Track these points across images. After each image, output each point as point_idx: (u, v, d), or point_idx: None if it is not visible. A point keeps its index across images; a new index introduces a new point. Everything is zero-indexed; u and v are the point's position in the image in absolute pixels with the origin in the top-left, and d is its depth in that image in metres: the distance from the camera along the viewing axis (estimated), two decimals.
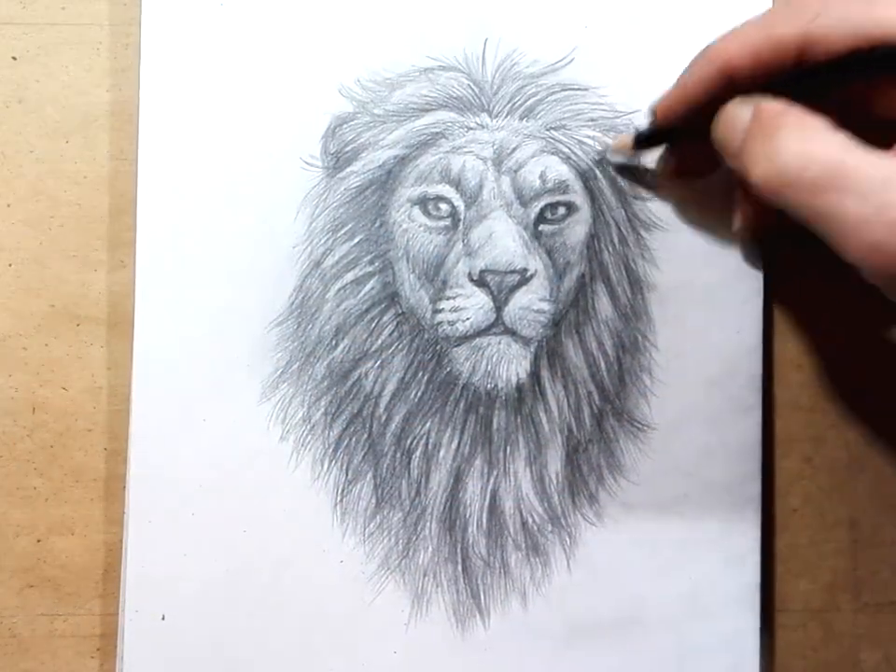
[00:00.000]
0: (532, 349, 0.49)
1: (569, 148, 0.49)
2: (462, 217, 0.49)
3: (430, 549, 0.49)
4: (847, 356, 0.51)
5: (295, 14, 0.49)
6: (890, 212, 0.32)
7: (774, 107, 0.38)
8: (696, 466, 0.49)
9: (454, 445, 0.49)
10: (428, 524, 0.49)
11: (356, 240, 0.49)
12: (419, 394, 0.49)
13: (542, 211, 0.49)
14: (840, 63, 0.38)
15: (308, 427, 0.49)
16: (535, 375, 0.49)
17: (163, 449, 0.48)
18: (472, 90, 0.49)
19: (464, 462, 0.49)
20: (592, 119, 0.50)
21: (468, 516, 0.49)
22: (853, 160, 0.34)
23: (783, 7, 0.40)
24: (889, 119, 0.39)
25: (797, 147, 0.35)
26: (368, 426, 0.49)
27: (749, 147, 0.38)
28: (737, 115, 0.39)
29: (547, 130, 0.49)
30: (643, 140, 0.47)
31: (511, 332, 0.48)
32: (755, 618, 0.49)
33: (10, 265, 0.49)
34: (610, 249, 0.50)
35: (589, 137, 0.50)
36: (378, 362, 0.49)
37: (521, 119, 0.49)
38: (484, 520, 0.49)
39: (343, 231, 0.49)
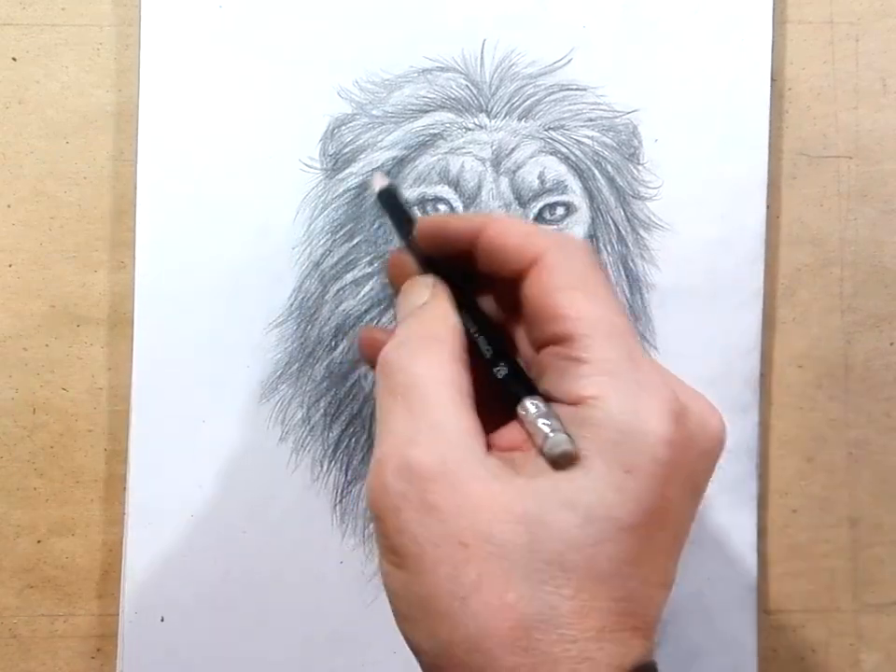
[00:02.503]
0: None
1: (568, 149, 0.49)
2: None
3: None
4: (845, 357, 0.51)
5: (293, 16, 0.49)
6: (407, 446, 0.31)
7: (442, 308, 0.35)
8: None
9: None
10: None
11: (355, 241, 0.49)
12: None
13: (541, 211, 0.49)
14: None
15: (307, 427, 0.49)
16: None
17: (163, 450, 0.48)
18: (471, 90, 0.49)
19: None
20: (590, 119, 0.50)
21: None
22: (438, 397, 0.32)
23: (564, 237, 0.38)
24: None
25: (414, 351, 0.33)
26: (367, 426, 0.49)
27: (401, 324, 0.36)
28: (419, 291, 0.37)
29: (545, 130, 0.49)
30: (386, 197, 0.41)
31: None
32: (753, 618, 0.49)
33: (10, 266, 0.49)
34: (609, 249, 0.50)
35: (588, 137, 0.50)
36: None
37: (519, 119, 0.49)
38: None
39: (342, 233, 0.49)
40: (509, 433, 0.32)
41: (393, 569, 0.31)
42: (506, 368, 0.34)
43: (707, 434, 0.32)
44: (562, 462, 0.29)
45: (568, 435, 0.30)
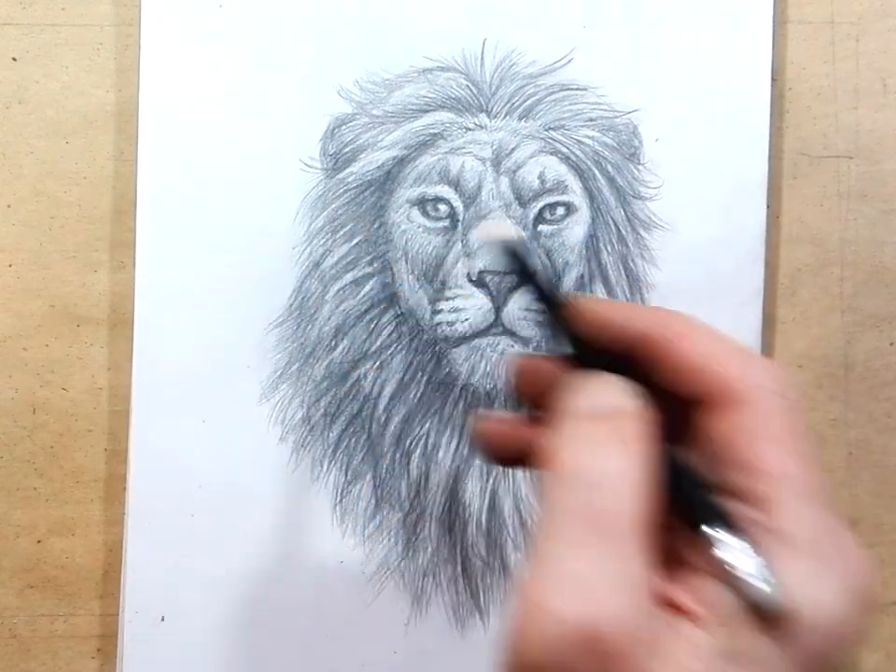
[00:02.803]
0: (531, 350, 0.49)
1: (568, 148, 0.49)
2: (461, 217, 0.49)
3: (430, 549, 0.49)
4: (845, 357, 0.51)
5: (294, 16, 0.49)
6: (597, 600, 0.25)
7: (651, 429, 0.28)
8: None
9: (453, 446, 0.49)
10: (428, 524, 0.49)
11: (355, 241, 0.49)
12: (418, 394, 0.49)
13: (541, 211, 0.49)
14: None
15: (308, 427, 0.49)
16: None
17: (163, 449, 0.48)
18: (471, 90, 0.49)
19: (463, 462, 0.49)
20: (591, 119, 0.49)
21: (467, 517, 0.49)
22: (636, 535, 0.26)
23: (772, 369, 0.30)
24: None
25: (627, 470, 0.27)
26: (367, 426, 0.49)
27: (598, 422, 0.28)
28: (613, 395, 0.29)
29: (546, 130, 0.49)
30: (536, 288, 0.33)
31: (510, 333, 0.48)
32: None
33: (10, 266, 0.49)
34: (609, 249, 0.50)
35: (588, 137, 0.50)
36: (377, 363, 0.49)
37: (520, 119, 0.49)
38: (484, 520, 0.49)
39: (342, 232, 0.49)
40: (678, 591, 0.27)
41: None
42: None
43: (873, 606, 0.29)
44: (772, 622, 0.25)
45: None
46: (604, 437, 0.28)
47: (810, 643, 0.25)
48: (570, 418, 0.29)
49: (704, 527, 0.27)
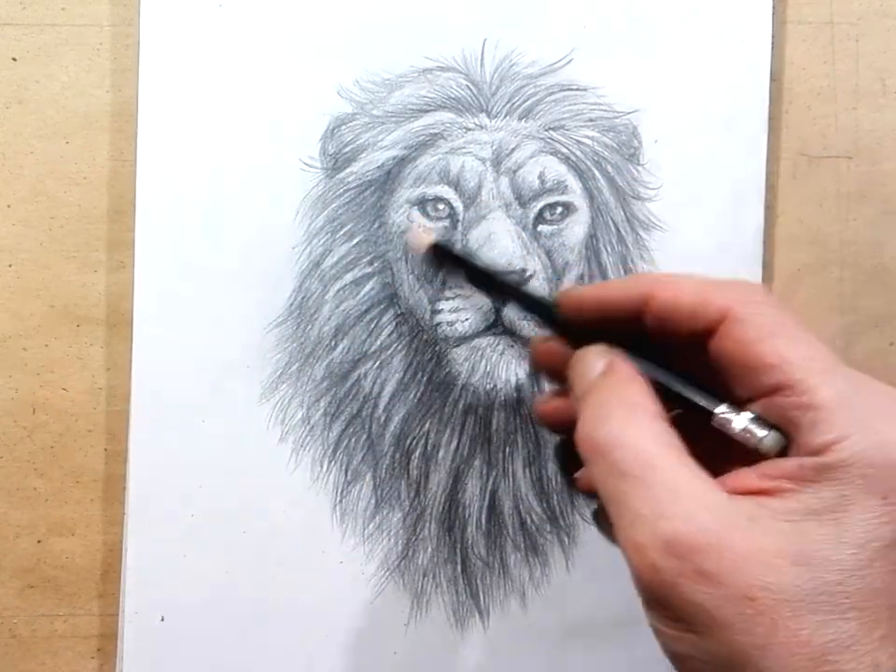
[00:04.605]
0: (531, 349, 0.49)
1: (568, 149, 0.49)
2: (461, 217, 0.49)
3: (430, 549, 0.49)
4: (845, 357, 0.51)
5: (294, 15, 0.49)
6: (661, 522, 0.32)
7: (625, 372, 0.36)
8: None
9: (453, 446, 0.49)
10: (428, 524, 0.49)
11: (355, 241, 0.49)
12: (418, 395, 0.49)
13: (541, 211, 0.49)
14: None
15: (307, 427, 0.49)
16: (534, 376, 0.49)
17: (163, 449, 0.48)
18: (471, 90, 0.49)
19: (463, 462, 0.49)
20: (590, 120, 0.50)
21: (467, 517, 0.49)
22: (663, 460, 0.33)
23: (742, 285, 0.37)
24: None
25: (621, 423, 0.34)
26: (367, 426, 0.49)
27: (588, 398, 0.36)
28: (593, 362, 0.37)
29: (546, 130, 0.49)
30: (444, 257, 0.42)
31: (511, 333, 0.48)
32: None
33: (10, 266, 0.49)
34: (609, 249, 0.50)
35: (588, 137, 0.50)
36: (377, 363, 0.49)
37: (519, 119, 0.49)
38: (483, 520, 0.49)
39: (342, 232, 0.49)
40: (734, 478, 0.33)
41: (680, 635, 0.32)
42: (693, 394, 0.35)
43: None
44: (777, 452, 0.32)
45: (776, 428, 0.32)
46: (606, 401, 0.34)
47: (859, 471, 0.30)
48: (579, 394, 0.36)
49: (718, 411, 0.33)
